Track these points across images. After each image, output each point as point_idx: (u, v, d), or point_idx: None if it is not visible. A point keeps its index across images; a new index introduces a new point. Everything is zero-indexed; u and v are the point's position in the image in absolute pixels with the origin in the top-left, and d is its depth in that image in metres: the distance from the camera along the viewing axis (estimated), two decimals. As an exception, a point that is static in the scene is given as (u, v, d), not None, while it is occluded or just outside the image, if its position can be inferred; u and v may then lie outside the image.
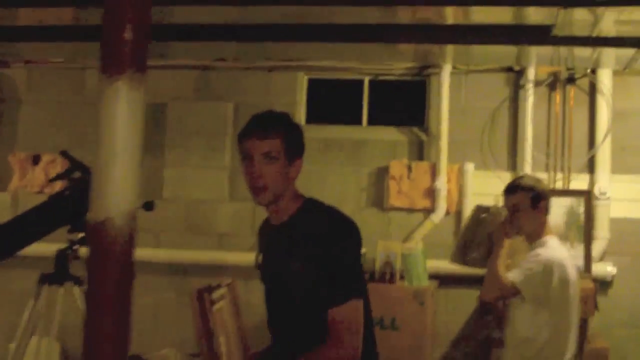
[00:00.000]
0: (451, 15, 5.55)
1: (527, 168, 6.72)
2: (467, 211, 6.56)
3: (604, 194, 6.63)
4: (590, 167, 6.78)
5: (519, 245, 4.78)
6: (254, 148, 3.07)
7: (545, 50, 6.13)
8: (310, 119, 7.45)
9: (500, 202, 4.92)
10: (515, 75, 6.96)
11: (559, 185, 6.79)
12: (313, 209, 3.18)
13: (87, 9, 5.42)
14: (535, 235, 4.63)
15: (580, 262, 6.42)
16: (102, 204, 2.06)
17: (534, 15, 5.28)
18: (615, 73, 6.70)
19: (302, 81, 7.44)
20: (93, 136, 2.09)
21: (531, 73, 6.81)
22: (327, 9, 5.40)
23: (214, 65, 7.35)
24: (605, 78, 6.70)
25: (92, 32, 4.04)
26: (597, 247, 6.62)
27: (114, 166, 2.06)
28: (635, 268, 6.67)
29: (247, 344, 3.62)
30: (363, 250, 3.21)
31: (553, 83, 6.88)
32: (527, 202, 4.59)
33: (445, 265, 6.24)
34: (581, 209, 6.60)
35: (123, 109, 2.06)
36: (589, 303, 5.89)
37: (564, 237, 6.41)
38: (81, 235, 4.31)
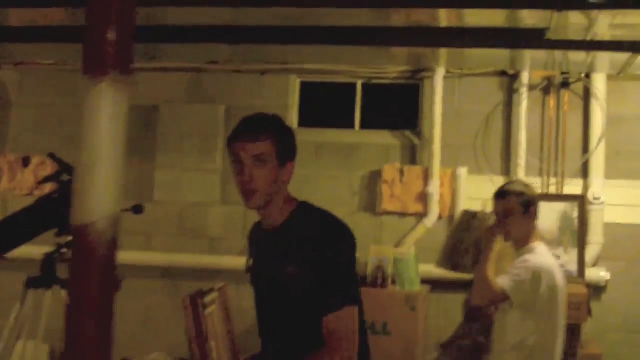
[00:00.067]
0: (444, 18, 5.53)
1: (521, 173, 6.70)
2: (461, 216, 6.55)
3: (598, 199, 6.62)
4: (584, 172, 6.77)
5: (507, 250, 4.76)
6: (244, 151, 3.02)
7: (540, 54, 6.11)
8: (302, 123, 7.43)
9: (490, 208, 4.89)
10: (509, 80, 6.95)
11: (552, 190, 6.77)
12: (307, 212, 3.14)
13: (79, 8, 5.38)
14: (523, 240, 4.61)
15: (574, 267, 6.41)
16: (84, 207, 2.03)
17: (528, 18, 5.25)
18: (610, 78, 6.69)
19: (295, 84, 7.42)
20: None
21: (525, 77, 6.79)
22: (320, 11, 5.37)
23: (206, 68, 7.33)
24: (599, 83, 6.68)
25: (83, 33, 3.99)
26: (591, 252, 6.59)
27: (97, 169, 2.02)
28: (629, 273, 6.66)
29: (236, 349, 3.58)
30: (357, 255, 3.17)
31: (547, 87, 6.86)
32: (517, 207, 4.57)
33: (438, 270, 6.22)
34: (575, 214, 6.57)
35: (107, 111, 2.02)
36: (583, 309, 5.88)
37: (557, 242, 6.44)
38: (69, 238, 4.26)
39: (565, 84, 6.80)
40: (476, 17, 5.42)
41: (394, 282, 6.37)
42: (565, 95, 6.82)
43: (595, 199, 6.61)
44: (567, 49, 5.79)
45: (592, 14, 4.91)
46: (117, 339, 7.06)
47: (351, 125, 7.38)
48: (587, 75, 6.74)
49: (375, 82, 7.35)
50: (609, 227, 6.66)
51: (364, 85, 7.38)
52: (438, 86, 6.89)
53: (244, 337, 6.39)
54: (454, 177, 6.89)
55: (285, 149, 3.08)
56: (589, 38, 5.45)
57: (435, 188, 6.84)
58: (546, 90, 6.87)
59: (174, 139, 7.34)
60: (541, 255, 4.55)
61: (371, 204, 7.11)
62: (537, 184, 6.67)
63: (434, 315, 6.69)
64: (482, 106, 6.98)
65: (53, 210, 4.21)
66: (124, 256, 7.33)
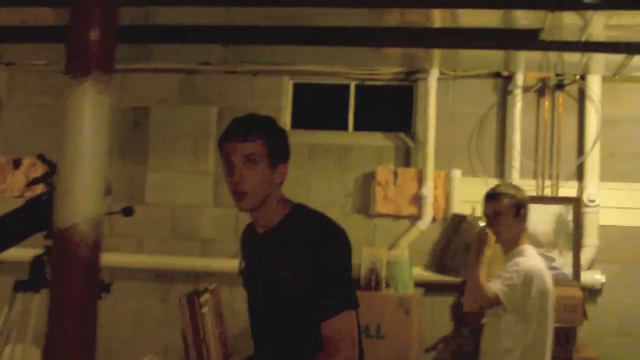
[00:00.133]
0: (438, 18, 5.50)
1: (515, 175, 6.69)
2: (454, 218, 6.52)
3: (593, 201, 6.61)
4: (579, 174, 6.76)
5: (497, 254, 4.73)
6: (234, 151, 2.97)
7: (534, 55, 6.09)
8: (295, 124, 7.41)
9: (479, 211, 4.86)
10: (504, 81, 6.93)
11: (547, 192, 6.77)
12: (301, 214, 3.10)
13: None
14: (512, 243, 4.59)
15: (569, 270, 6.42)
16: (66, 210, 1.99)
17: (522, 19, 5.22)
18: (605, 79, 6.68)
19: (288, 85, 7.40)
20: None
21: (519, 79, 6.77)
22: (312, 11, 5.34)
23: (198, 69, 7.31)
24: (594, 84, 6.67)
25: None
26: (586, 255, 6.59)
27: (79, 171, 1.98)
28: (625, 276, 6.65)
29: (228, 351, 3.55)
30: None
31: (542, 89, 6.85)
32: (508, 209, 4.55)
33: (432, 273, 6.18)
34: (570, 217, 6.57)
35: (89, 111, 1.99)
36: (578, 312, 5.89)
37: (552, 245, 6.45)
38: (57, 241, 4.22)
39: (559, 86, 6.79)
40: (469, 18, 5.40)
41: (387, 284, 6.37)
42: (560, 97, 6.81)
43: (590, 201, 6.61)
44: (561, 50, 5.77)
45: (586, 14, 4.89)
46: (109, 342, 7.10)
47: (344, 127, 7.36)
48: (582, 77, 6.73)
49: (369, 84, 7.33)
50: (604, 230, 6.65)
51: (357, 87, 7.35)
52: (432, 88, 6.87)
53: (237, 340, 6.37)
54: (448, 179, 6.87)
55: (277, 150, 3.03)
56: (583, 39, 5.43)
57: (429, 190, 6.82)
58: (541, 92, 6.86)
59: (165, 140, 7.30)
60: (531, 258, 4.53)
61: (364, 206, 7.08)
62: (531, 186, 6.68)
63: (428, 318, 6.66)
64: (476, 108, 6.96)
65: (42, 212, 4.16)
66: (116, 258, 7.33)
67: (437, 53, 6.45)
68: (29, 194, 6.76)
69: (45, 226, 4.16)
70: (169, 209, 7.32)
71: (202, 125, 7.23)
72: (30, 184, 4.61)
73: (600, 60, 6.18)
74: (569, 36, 5.43)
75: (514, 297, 4.35)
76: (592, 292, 6.60)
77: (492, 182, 6.48)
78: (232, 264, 5.78)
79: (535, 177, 6.81)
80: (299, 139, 6.76)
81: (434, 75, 6.88)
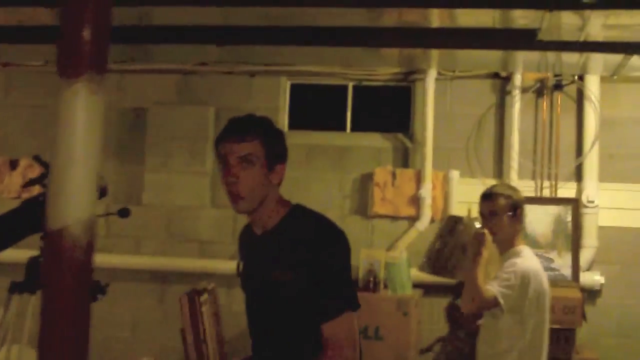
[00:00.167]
0: (436, 18, 5.48)
1: (514, 176, 6.68)
2: (453, 219, 6.51)
3: (592, 202, 6.60)
4: (578, 175, 6.74)
5: (494, 255, 4.71)
6: (230, 151, 2.95)
7: (532, 55, 6.07)
8: (293, 125, 7.39)
9: (475, 212, 4.85)
10: (502, 82, 6.92)
11: (546, 193, 6.75)
12: (300, 215, 3.08)
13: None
14: (508, 244, 4.59)
15: (568, 271, 6.40)
16: (58, 211, 1.97)
17: (520, 18, 5.20)
18: (603, 80, 6.66)
19: (285, 86, 7.39)
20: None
21: (518, 79, 6.76)
22: (309, 11, 5.32)
23: (195, 70, 7.30)
24: (592, 85, 6.65)
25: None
26: (585, 256, 6.57)
27: (71, 172, 1.97)
28: (624, 277, 6.64)
29: (224, 352, 3.53)
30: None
31: (540, 90, 6.83)
32: (504, 208, 4.55)
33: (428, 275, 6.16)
34: (569, 218, 6.55)
35: (81, 112, 1.97)
36: (577, 313, 5.88)
37: (551, 246, 6.43)
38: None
39: (558, 86, 6.78)
40: (467, 18, 5.37)
41: (385, 286, 6.36)
42: (558, 97, 6.80)
43: (589, 202, 6.59)
44: (559, 50, 5.75)
45: (584, 14, 4.87)
46: (107, 343, 7.06)
47: (342, 128, 7.35)
48: (580, 78, 6.72)
49: (367, 84, 7.31)
50: (603, 231, 6.64)
51: (355, 87, 7.34)
52: (430, 88, 6.86)
53: (235, 341, 6.36)
54: (446, 180, 6.85)
55: (274, 151, 3.01)
56: (581, 39, 5.42)
57: (427, 191, 6.80)
58: (539, 93, 6.85)
59: (163, 141, 7.28)
60: (528, 258, 4.53)
61: (362, 207, 7.06)
62: (530, 187, 6.67)
63: (426, 319, 6.63)
64: (475, 108, 6.95)
65: (38, 213, 4.13)
66: (113, 260, 7.32)
67: (435, 53, 6.43)
68: (25, 195, 6.75)
69: (42, 227, 4.13)
70: (167, 210, 7.30)
71: (200, 126, 7.21)
72: (26, 185, 4.58)
73: (598, 61, 6.16)
74: (567, 36, 5.42)
75: (511, 298, 4.35)
76: (591, 294, 6.59)
77: (491, 183, 6.44)
78: (230, 265, 5.80)
79: (533, 177, 6.80)
80: (297, 140, 6.75)
81: (431, 75, 6.86)
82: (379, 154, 7.09)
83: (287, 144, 3.08)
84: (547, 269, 6.27)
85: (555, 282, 6.22)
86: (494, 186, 4.82)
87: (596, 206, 6.60)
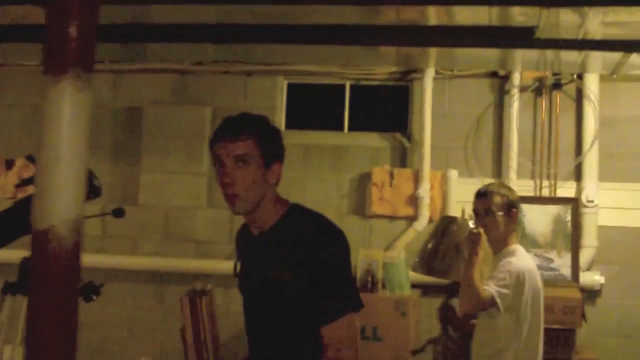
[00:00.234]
0: (433, 15, 5.45)
1: (513, 175, 6.66)
2: (452, 219, 6.49)
3: (592, 201, 6.58)
4: (578, 174, 6.72)
5: (488, 255, 4.69)
6: (224, 151, 2.90)
7: (530, 54, 6.05)
8: (290, 125, 7.38)
9: (468, 213, 4.83)
10: (500, 81, 6.90)
11: (545, 192, 6.73)
12: (299, 215, 3.04)
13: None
14: (502, 243, 4.58)
15: (568, 271, 6.40)
16: (44, 211, 1.92)
17: (518, 16, 5.18)
18: (602, 79, 6.64)
19: (282, 86, 7.37)
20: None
21: (516, 78, 6.74)
22: (306, 9, 5.28)
23: (191, 69, 7.29)
24: (592, 84, 6.63)
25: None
26: (585, 256, 6.55)
27: (57, 171, 1.92)
28: (624, 277, 6.62)
29: (219, 353, 3.49)
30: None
31: (539, 89, 6.81)
32: (499, 207, 4.54)
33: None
34: (568, 217, 6.55)
35: (68, 110, 1.92)
36: (577, 313, 5.89)
37: (550, 246, 6.43)
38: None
39: (557, 85, 6.77)
40: (464, 15, 5.34)
41: (383, 286, 6.35)
42: (557, 96, 6.78)
43: (588, 201, 6.57)
44: (558, 48, 5.72)
45: (582, 11, 4.85)
46: (103, 344, 7.04)
47: (340, 127, 7.33)
48: (580, 76, 6.70)
49: (364, 84, 7.30)
50: (603, 230, 6.62)
51: (352, 87, 7.32)
52: (427, 87, 6.83)
53: (233, 342, 6.33)
54: (445, 180, 6.82)
55: (270, 150, 2.95)
56: (580, 37, 5.39)
57: (425, 191, 6.77)
58: (538, 92, 6.82)
59: (159, 141, 7.27)
60: (522, 257, 4.53)
61: (360, 207, 7.04)
62: (529, 187, 6.66)
63: (425, 320, 6.60)
64: (473, 108, 6.93)
65: (31, 213, 4.09)
66: (110, 260, 7.33)
67: (432, 52, 6.41)
68: (21, 196, 6.71)
69: (34, 228, 4.11)
70: (163, 210, 7.29)
71: (196, 126, 7.20)
72: (19, 185, 4.55)
73: (597, 59, 6.14)
74: (565, 34, 5.40)
75: (508, 298, 4.34)
76: (591, 294, 6.57)
77: (489, 182, 6.45)
78: (227, 266, 5.77)
79: (532, 177, 6.77)
80: (294, 140, 6.72)
81: (429, 74, 6.84)
82: (376, 154, 7.07)
83: (284, 142, 3.03)
84: (546, 268, 6.28)
85: (554, 282, 6.21)
86: (489, 184, 4.81)
87: (596, 206, 6.57)
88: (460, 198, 6.61)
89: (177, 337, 5.89)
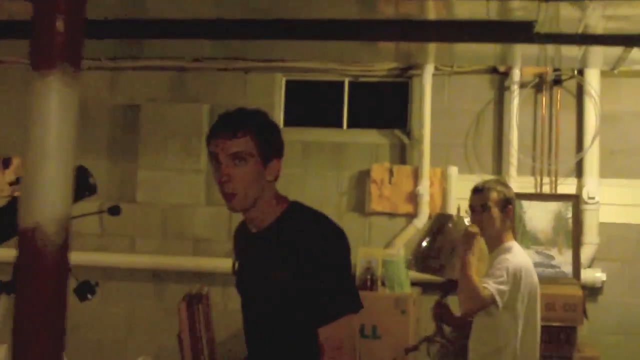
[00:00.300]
0: (432, 10, 5.42)
1: (513, 172, 6.63)
2: (451, 216, 6.46)
3: (593, 198, 6.55)
4: (578, 171, 6.70)
5: (484, 252, 4.67)
6: (221, 149, 2.84)
7: (531, 49, 6.02)
8: (288, 122, 7.36)
9: (463, 211, 4.80)
10: (500, 77, 6.87)
11: (546, 189, 6.71)
12: (298, 212, 2.98)
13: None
14: (497, 239, 4.58)
15: (569, 268, 6.37)
16: (30, 209, 1.88)
17: (517, 10, 5.15)
18: (603, 74, 6.61)
19: (280, 82, 7.35)
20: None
21: (516, 74, 6.71)
22: (304, 3, 5.25)
23: (189, 66, 7.27)
24: (592, 79, 6.59)
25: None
26: (586, 253, 6.53)
27: (44, 169, 1.90)
28: (625, 274, 6.61)
29: (215, 358, 3.44)
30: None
31: (539, 85, 6.78)
32: (496, 203, 4.54)
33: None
34: (569, 214, 6.52)
35: (55, 106, 1.88)
36: (578, 311, 5.88)
37: (551, 243, 6.41)
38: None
39: (557, 81, 6.74)
40: (463, 9, 5.30)
41: (383, 284, 6.32)
42: (558, 92, 6.75)
43: (589, 198, 6.55)
44: (558, 43, 5.69)
45: (582, 4, 4.81)
46: (102, 343, 6.99)
47: (339, 124, 7.30)
48: (580, 72, 6.66)
49: (363, 80, 7.27)
50: (604, 227, 6.60)
51: (351, 83, 7.29)
52: (427, 84, 6.81)
53: (231, 341, 6.29)
54: (444, 177, 6.79)
55: (268, 146, 2.89)
56: (580, 31, 5.36)
57: (425, 188, 6.75)
58: (538, 88, 6.80)
59: (156, 138, 7.26)
60: (518, 254, 4.53)
61: (360, 205, 7.02)
62: (530, 184, 6.64)
63: (425, 318, 6.56)
64: (473, 104, 6.90)
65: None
66: (108, 258, 7.30)
67: (432, 48, 6.39)
68: (17, 194, 6.68)
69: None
70: (161, 208, 7.28)
71: (194, 123, 7.18)
72: (14, 183, 4.52)
73: (598, 54, 6.12)
74: (565, 28, 5.38)
75: (506, 295, 4.34)
76: (592, 291, 6.55)
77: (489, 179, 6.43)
78: (226, 264, 5.71)
79: (533, 174, 6.75)
80: (293, 137, 6.68)
81: (429, 71, 6.81)
82: (376, 151, 7.04)
83: (282, 138, 2.96)
84: (547, 266, 6.25)
85: (555, 279, 6.18)
86: (486, 181, 4.80)
87: (597, 202, 6.55)
88: (460, 195, 6.56)
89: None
